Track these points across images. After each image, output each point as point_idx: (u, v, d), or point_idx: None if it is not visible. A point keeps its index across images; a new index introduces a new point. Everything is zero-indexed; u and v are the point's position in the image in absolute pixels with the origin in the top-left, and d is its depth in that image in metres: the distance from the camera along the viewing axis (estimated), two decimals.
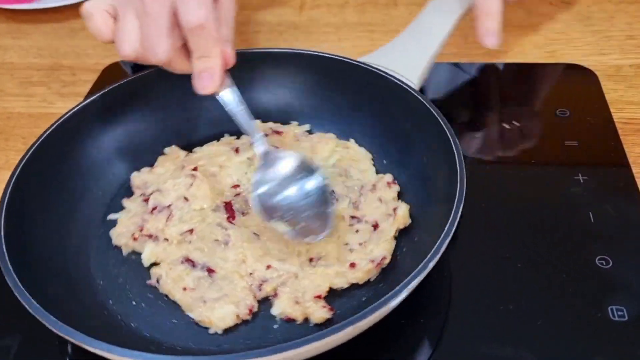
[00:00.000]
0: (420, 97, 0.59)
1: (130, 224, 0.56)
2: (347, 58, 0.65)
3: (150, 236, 0.55)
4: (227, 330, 0.50)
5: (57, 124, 0.59)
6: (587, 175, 0.61)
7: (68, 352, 0.51)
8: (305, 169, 0.54)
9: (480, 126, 0.70)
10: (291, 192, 0.53)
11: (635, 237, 0.56)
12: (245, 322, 0.51)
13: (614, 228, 0.57)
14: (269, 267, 0.53)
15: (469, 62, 0.80)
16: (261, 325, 0.51)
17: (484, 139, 0.68)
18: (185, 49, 0.51)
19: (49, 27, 0.93)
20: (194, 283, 0.52)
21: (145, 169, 0.62)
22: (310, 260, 0.54)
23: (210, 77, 0.50)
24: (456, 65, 0.80)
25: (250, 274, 0.53)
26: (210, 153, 0.63)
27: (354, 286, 0.53)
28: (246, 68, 0.65)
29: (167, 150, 0.64)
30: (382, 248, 0.54)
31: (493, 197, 0.61)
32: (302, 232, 0.52)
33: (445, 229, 0.47)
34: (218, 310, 0.50)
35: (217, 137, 0.66)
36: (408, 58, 0.67)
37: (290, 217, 0.53)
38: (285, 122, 0.67)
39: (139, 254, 0.56)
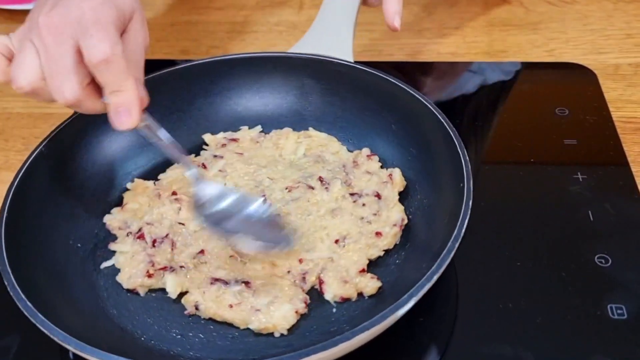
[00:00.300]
0: (422, 99, 0.60)
1: (136, 264, 0.54)
2: (344, 61, 0.66)
3: (165, 268, 0.54)
4: (289, 330, 0.50)
5: (63, 124, 0.59)
6: (586, 174, 0.62)
7: (68, 353, 0.51)
8: (248, 199, 0.55)
9: None
10: (239, 216, 0.54)
11: (635, 235, 0.56)
12: (303, 316, 0.51)
13: (613, 226, 0.57)
14: (301, 260, 0.54)
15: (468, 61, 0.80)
16: (320, 314, 0.52)
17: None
18: (95, 86, 0.48)
19: None
20: (237, 298, 0.51)
21: (115, 210, 0.59)
22: (336, 242, 0.55)
23: (127, 111, 0.48)
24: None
25: (288, 272, 0.53)
26: (179, 176, 0.62)
27: (384, 253, 0.55)
28: (246, 72, 0.67)
29: (130, 185, 0.62)
30: (395, 212, 0.57)
31: (492, 195, 0.61)
32: (267, 246, 0.53)
33: (455, 233, 0.47)
34: (277, 312, 0.50)
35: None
36: (337, 39, 0.68)
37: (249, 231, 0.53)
38: (279, 127, 0.67)
39: (155, 290, 0.54)
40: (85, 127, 0.60)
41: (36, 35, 0.46)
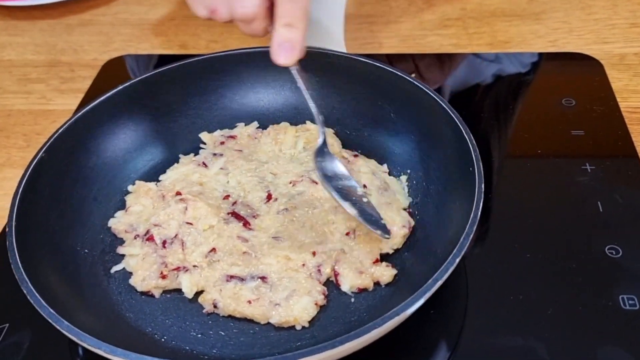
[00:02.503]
0: (420, 85, 0.59)
1: (148, 266, 0.54)
2: (337, 52, 0.65)
3: (178, 269, 0.53)
4: (310, 322, 0.50)
5: (70, 121, 0.58)
6: (594, 164, 0.61)
7: (78, 349, 0.51)
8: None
9: None
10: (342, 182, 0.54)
11: None
12: (322, 308, 0.51)
13: (623, 217, 0.57)
14: (314, 253, 0.53)
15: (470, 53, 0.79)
16: (339, 305, 0.52)
17: None
18: (271, 9, 0.49)
19: (45, 24, 0.92)
20: (255, 293, 0.51)
21: (119, 213, 0.59)
22: (347, 234, 0.55)
23: (292, 48, 0.48)
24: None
25: (303, 265, 0.53)
26: (180, 175, 0.61)
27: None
28: (238, 68, 0.66)
29: (131, 188, 0.61)
30: (400, 216, 0.56)
31: (500, 188, 0.61)
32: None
33: (467, 228, 0.46)
34: (296, 305, 0.50)
35: (171, 160, 0.64)
36: (327, 31, 0.68)
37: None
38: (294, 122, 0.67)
39: (170, 291, 0.54)
40: (82, 131, 0.60)
41: None
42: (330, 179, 0.54)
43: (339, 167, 0.55)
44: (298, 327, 0.50)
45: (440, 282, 0.43)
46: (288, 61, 0.49)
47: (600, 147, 0.64)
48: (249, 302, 0.51)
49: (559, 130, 0.66)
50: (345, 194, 0.53)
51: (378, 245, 0.54)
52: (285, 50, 0.48)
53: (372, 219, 0.52)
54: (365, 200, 0.53)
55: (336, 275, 0.53)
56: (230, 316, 0.51)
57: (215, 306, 0.51)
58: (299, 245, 0.54)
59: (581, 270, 0.53)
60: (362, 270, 0.52)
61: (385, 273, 0.52)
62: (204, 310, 0.52)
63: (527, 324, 0.50)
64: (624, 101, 0.69)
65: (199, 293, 0.53)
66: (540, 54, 0.77)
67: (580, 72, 0.74)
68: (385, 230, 0.51)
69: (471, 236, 0.46)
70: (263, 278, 0.52)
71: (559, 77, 0.74)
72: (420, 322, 0.50)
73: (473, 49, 0.80)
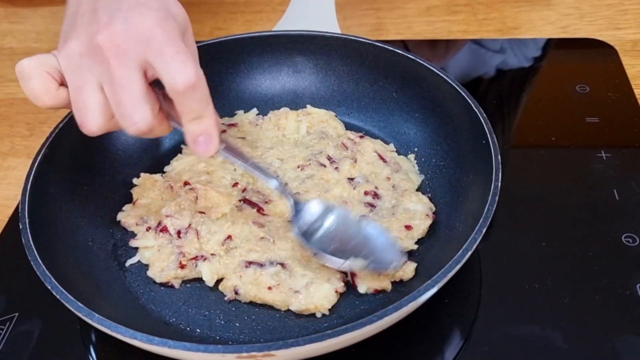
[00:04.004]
0: (422, 61, 0.59)
1: (165, 257, 0.53)
2: (334, 33, 0.64)
3: (196, 258, 0.53)
4: (330, 310, 0.49)
5: (60, 125, 0.56)
6: (610, 152, 0.60)
7: (91, 336, 0.50)
8: (329, 208, 0.53)
9: None
10: (333, 228, 0.51)
11: None
12: (342, 295, 0.50)
13: (639, 205, 0.56)
14: None
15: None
16: (356, 293, 0.50)
17: None
18: (162, 110, 0.45)
19: (46, 11, 0.90)
20: (275, 279, 0.50)
21: (127, 206, 0.58)
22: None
23: (209, 139, 0.45)
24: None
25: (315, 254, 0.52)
26: (186, 166, 0.60)
27: None
28: (233, 55, 0.65)
29: (137, 180, 0.60)
30: (422, 203, 0.55)
31: (515, 176, 0.60)
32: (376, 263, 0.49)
33: (481, 220, 0.45)
34: (317, 293, 0.49)
35: (173, 151, 0.63)
36: (318, 13, 0.68)
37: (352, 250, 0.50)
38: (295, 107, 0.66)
39: (190, 281, 0.53)
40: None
41: (97, 58, 0.41)
42: (319, 231, 0.51)
43: (318, 207, 0.52)
44: (318, 315, 0.49)
45: (470, 252, 0.43)
46: (210, 152, 0.45)
47: (616, 134, 0.63)
48: (269, 288, 0.50)
49: (574, 117, 0.65)
50: (343, 247, 0.50)
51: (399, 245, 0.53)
52: (203, 144, 0.45)
53: (382, 262, 0.49)
54: (364, 228, 0.51)
55: (352, 276, 0.51)
56: (251, 303, 0.51)
57: (236, 293, 0.51)
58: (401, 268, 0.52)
59: (598, 258, 0.52)
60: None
61: (407, 270, 0.51)
62: (226, 298, 0.51)
63: (543, 313, 0.49)
64: (638, 87, 0.68)
65: (219, 281, 0.52)
66: (546, 46, 0.76)
67: (593, 58, 0.73)
68: (398, 257, 0.49)
69: (494, 208, 0.45)
70: (282, 264, 0.51)
71: (573, 64, 0.73)
72: (433, 311, 0.49)
73: (482, 35, 0.79)
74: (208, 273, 0.52)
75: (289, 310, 0.50)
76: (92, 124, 0.43)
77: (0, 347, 0.50)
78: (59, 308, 0.43)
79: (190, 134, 0.45)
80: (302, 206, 0.53)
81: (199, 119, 0.44)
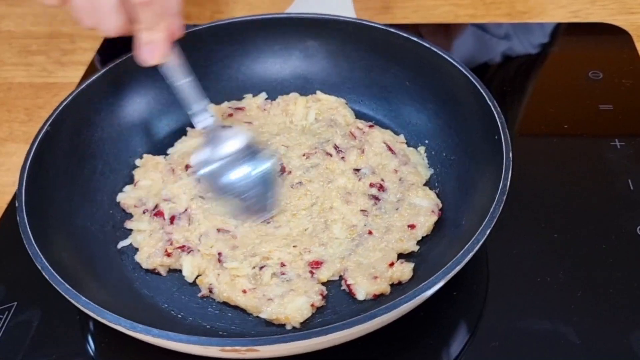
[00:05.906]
0: (437, 50, 0.57)
1: (154, 242, 0.52)
2: (348, 18, 0.63)
3: (183, 247, 0.52)
4: (303, 324, 0.47)
5: (72, 95, 0.56)
6: (624, 140, 0.59)
7: (89, 326, 0.49)
8: (252, 150, 0.54)
9: None
10: (236, 171, 0.54)
11: None
12: (320, 309, 0.48)
13: None
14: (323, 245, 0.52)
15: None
16: (341, 303, 0.49)
17: None
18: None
19: None
20: (252, 283, 0.49)
21: (128, 187, 0.57)
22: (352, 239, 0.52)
23: (152, 49, 0.50)
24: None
25: (300, 254, 0.51)
26: (189, 149, 0.59)
27: None
28: (242, 37, 0.64)
29: (139, 162, 0.59)
30: (429, 199, 0.53)
31: (526, 165, 0.58)
32: (250, 210, 0.53)
33: (489, 214, 0.44)
34: (291, 304, 0.47)
35: (178, 133, 0.62)
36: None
37: (238, 194, 0.53)
38: (304, 92, 0.64)
39: (177, 271, 0.52)
40: (85, 105, 0.58)
41: None
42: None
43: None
44: (288, 327, 0.47)
45: (472, 253, 0.42)
46: (150, 61, 0.51)
47: (630, 122, 0.61)
48: (244, 291, 0.48)
49: (587, 104, 0.63)
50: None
51: (399, 249, 0.51)
52: (147, 52, 0.50)
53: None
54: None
55: (349, 286, 0.49)
56: (225, 303, 0.49)
57: (210, 291, 0.50)
58: (299, 233, 0.52)
59: (611, 250, 0.51)
60: (376, 275, 0.49)
61: (405, 271, 0.49)
62: (199, 294, 0.50)
63: (555, 306, 0.48)
64: None
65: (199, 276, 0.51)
66: (555, 32, 0.74)
67: (607, 43, 0.71)
68: (269, 208, 0.53)
69: (502, 206, 0.44)
70: (263, 267, 0.50)
71: (585, 49, 0.71)
72: (440, 304, 0.48)
73: (490, 19, 0.77)
74: (189, 268, 0.51)
75: (259, 316, 0.48)
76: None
77: None
78: (58, 297, 0.42)
79: (139, 41, 0.50)
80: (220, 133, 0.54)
81: (149, 30, 0.49)
